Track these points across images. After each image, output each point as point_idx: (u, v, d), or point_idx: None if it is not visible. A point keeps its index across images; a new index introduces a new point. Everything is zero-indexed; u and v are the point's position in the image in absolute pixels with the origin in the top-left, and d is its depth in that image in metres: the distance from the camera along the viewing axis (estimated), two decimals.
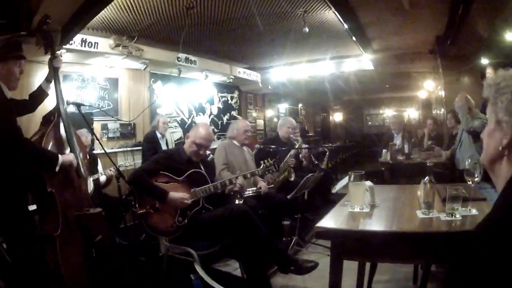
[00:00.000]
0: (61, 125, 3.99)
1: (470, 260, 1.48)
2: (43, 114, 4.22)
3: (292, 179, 6.55)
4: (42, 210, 3.89)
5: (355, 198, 3.30)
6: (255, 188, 5.77)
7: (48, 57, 4.24)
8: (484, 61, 8.54)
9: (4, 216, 3.48)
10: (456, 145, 6.60)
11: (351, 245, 2.86)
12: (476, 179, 2.97)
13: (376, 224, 3.01)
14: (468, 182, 3.00)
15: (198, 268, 1.86)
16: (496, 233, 1.40)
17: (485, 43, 8.22)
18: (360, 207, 3.25)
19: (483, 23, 7.28)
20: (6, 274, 3.70)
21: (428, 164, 3.11)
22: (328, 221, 3.04)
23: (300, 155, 7.66)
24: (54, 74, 4.11)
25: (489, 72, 7.72)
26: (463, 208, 2.85)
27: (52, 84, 4.18)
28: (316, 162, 8.37)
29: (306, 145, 8.26)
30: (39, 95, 4.16)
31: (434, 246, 2.62)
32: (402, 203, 3.54)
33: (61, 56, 4.35)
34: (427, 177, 3.01)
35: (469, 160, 3.07)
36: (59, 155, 3.63)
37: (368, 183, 3.44)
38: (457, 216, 2.76)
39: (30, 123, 4.80)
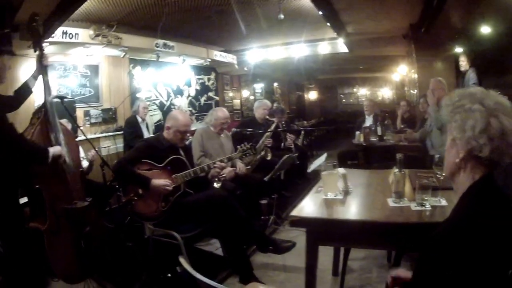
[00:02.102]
0: (49, 120, 3.94)
1: (428, 262, 1.67)
2: (27, 111, 4.26)
3: (269, 158, 6.67)
4: (31, 205, 4.00)
5: (328, 186, 3.44)
6: (232, 169, 5.87)
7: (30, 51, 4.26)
8: (458, 49, 8.65)
9: None
10: (426, 128, 6.60)
11: (326, 232, 3.02)
12: None
13: (349, 212, 3.16)
14: (437, 175, 3.18)
15: (183, 261, 1.99)
16: (447, 243, 1.60)
17: (459, 33, 8.34)
18: (334, 194, 3.40)
19: (458, 14, 7.40)
20: (3, 269, 3.77)
21: (398, 157, 3.21)
22: (303, 209, 3.19)
23: (286, 142, 7.89)
24: (42, 71, 4.09)
25: (462, 60, 7.86)
26: (433, 198, 2.98)
27: (40, 81, 4.16)
28: (296, 145, 8.53)
29: (287, 130, 8.42)
30: (24, 92, 4.12)
31: (404, 235, 2.77)
32: (374, 189, 3.68)
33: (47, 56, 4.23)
34: (397, 169, 3.15)
35: (439, 154, 3.23)
36: (49, 148, 3.66)
37: (341, 170, 3.60)
38: (427, 206, 2.91)
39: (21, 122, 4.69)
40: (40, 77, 4.14)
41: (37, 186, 3.75)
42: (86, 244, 3.90)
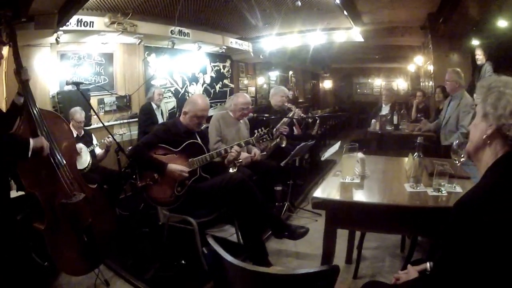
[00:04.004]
0: (31, 114, 3.72)
1: (451, 232, 1.74)
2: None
3: (284, 145, 6.66)
4: (31, 206, 3.79)
5: (347, 169, 3.48)
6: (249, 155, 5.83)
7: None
8: (475, 42, 8.57)
9: None
10: (441, 120, 6.67)
11: (345, 215, 3.06)
12: (462, 159, 3.16)
13: (367, 196, 3.21)
14: (454, 161, 3.19)
15: (212, 242, 2.00)
16: (475, 211, 1.65)
17: (476, 25, 8.27)
18: (351, 178, 3.44)
19: (476, 6, 7.35)
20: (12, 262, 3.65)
21: (418, 141, 3.26)
22: (323, 192, 3.21)
23: (294, 127, 7.87)
24: (24, 87, 3.73)
25: (479, 53, 7.79)
26: (449, 185, 3.03)
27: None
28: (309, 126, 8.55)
29: (301, 113, 8.42)
30: (14, 110, 3.81)
31: (421, 219, 2.81)
32: (391, 175, 3.74)
33: (27, 69, 3.80)
34: (416, 153, 3.19)
35: (456, 141, 3.24)
36: (30, 139, 3.45)
37: (360, 154, 3.66)
38: (443, 192, 2.96)
39: None
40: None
41: (30, 192, 3.62)
42: (89, 237, 3.84)
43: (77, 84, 4.52)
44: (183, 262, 4.57)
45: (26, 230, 3.74)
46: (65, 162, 3.85)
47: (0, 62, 3.77)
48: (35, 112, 3.74)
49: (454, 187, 3.07)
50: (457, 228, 1.71)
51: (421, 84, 13.77)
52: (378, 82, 22.93)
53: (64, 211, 3.72)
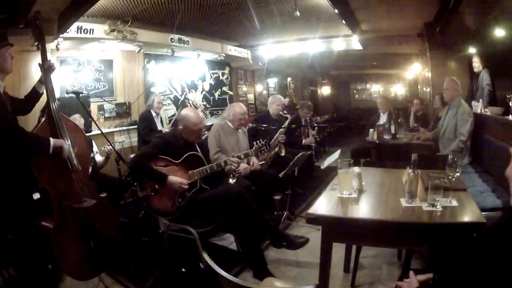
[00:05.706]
0: (53, 118, 3.92)
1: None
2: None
3: (283, 154, 6.69)
4: (42, 204, 3.90)
5: (343, 184, 3.51)
6: (248, 166, 5.89)
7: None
8: (472, 50, 8.62)
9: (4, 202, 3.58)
10: (439, 129, 6.71)
11: (340, 230, 3.10)
12: (457, 174, 3.20)
13: (363, 211, 3.23)
14: (449, 177, 3.23)
15: (207, 257, 2.05)
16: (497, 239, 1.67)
17: (473, 34, 8.31)
18: (349, 192, 3.47)
19: (472, 16, 7.37)
20: (15, 262, 3.80)
21: (413, 159, 3.25)
22: (319, 207, 3.26)
23: (303, 140, 8.10)
24: (45, 76, 4.11)
25: (476, 61, 7.84)
26: (444, 199, 3.03)
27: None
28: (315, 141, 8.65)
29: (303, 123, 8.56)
30: (33, 96, 4.18)
31: (416, 234, 2.85)
32: (388, 189, 3.74)
33: (53, 65, 4.28)
34: (410, 169, 3.21)
35: (451, 156, 3.28)
36: (50, 138, 3.66)
37: (356, 169, 3.67)
38: (438, 207, 2.97)
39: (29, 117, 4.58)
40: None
41: (42, 187, 3.73)
42: (95, 242, 3.91)
43: (77, 93, 4.58)
44: (183, 270, 4.59)
45: (28, 230, 3.80)
46: (78, 166, 3.98)
47: (11, 62, 3.97)
48: (54, 108, 3.94)
49: (450, 201, 3.07)
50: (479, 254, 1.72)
51: (419, 90, 13.80)
52: (376, 88, 23.00)
53: (73, 214, 3.81)
